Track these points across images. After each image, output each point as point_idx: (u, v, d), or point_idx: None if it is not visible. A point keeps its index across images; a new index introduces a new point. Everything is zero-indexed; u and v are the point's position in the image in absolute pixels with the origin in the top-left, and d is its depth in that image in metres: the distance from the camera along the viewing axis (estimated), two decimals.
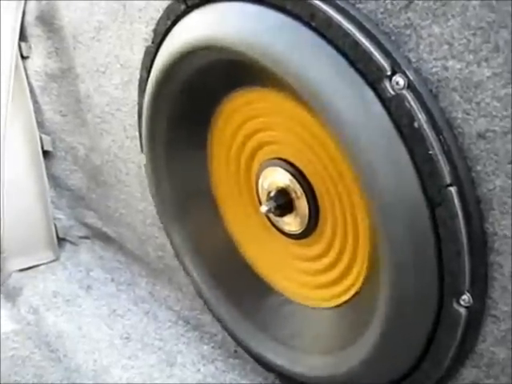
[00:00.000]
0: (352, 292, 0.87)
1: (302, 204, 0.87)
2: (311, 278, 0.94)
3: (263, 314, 0.99)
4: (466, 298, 0.67)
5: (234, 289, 1.02)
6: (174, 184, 1.02)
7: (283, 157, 0.88)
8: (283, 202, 0.88)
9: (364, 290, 0.84)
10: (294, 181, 0.86)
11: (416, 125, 0.63)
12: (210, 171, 1.03)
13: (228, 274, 1.03)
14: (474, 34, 0.58)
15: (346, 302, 0.88)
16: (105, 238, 1.39)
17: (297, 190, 0.87)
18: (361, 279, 0.84)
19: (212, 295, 1.04)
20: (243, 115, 0.92)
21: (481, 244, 0.65)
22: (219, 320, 1.05)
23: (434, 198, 0.64)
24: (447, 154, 0.63)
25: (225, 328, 1.05)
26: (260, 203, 0.94)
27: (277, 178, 0.89)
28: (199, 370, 1.09)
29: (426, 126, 0.63)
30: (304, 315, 0.94)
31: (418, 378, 0.77)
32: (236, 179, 0.99)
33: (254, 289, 1.01)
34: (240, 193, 0.99)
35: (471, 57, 0.59)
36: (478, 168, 0.62)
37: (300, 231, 0.89)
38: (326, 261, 0.90)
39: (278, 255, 0.98)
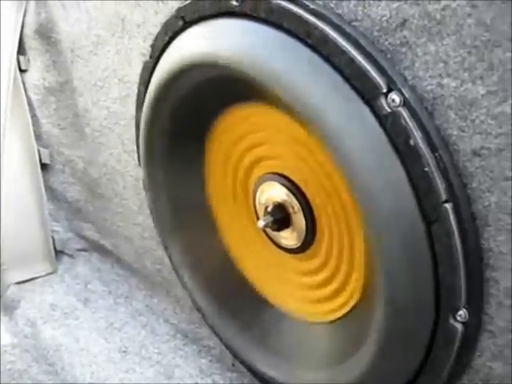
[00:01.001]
0: (349, 306, 0.87)
1: (299, 219, 0.87)
2: (308, 293, 0.94)
3: (260, 329, 0.98)
4: (462, 313, 0.67)
5: (230, 303, 1.02)
6: (171, 198, 1.03)
7: (280, 172, 0.89)
8: (280, 217, 0.88)
9: (361, 305, 0.84)
10: (291, 196, 0.87)
11: (412, 142, 0.63)
12: (207, 186, 1.03)
13: (225, 288, 1.03)
14: (469, 53, 0.58)
15: (343, 317, 0.88)
16: (102, 251, 1.39)
17: (294, 204, 0.87)
18: (358, 293, 0.84)
19: (209, 309, 1.03)
20: (240, 130, 0.92)
21: (476, 260, 0.65)
22: (217, 334, 1.05)
23: (429, 215, 0.64)
24: (443, 171, 0.63)
25: (222, 342, 1.05)
26: (257, 218, 0.94)
27: (274, 192, 0.89)
28: (197, 383, 1.09)
29: (421, 144, 0.63)
30: (301, 330, 0.94)
31: None
32: (233, 194, 0.99)
33: (251, 303, 1.01)
34: (237, 207, 0.99)
35: (466, 75, 0.59)
36: (474, 185, 0.63)
37: (297, 246, 0.89)
38: (323, 275, 0.90)
39: (275, 269, 0.98)
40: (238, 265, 1.04)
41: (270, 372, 0.95)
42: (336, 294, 0.88)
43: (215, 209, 1.04)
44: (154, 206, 1.05)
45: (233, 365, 1.10)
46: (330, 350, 0.88)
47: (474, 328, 0.68)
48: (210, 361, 1.13)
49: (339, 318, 0.88)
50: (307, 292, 0.94)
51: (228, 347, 1.04)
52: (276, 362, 0.94)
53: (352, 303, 0.86)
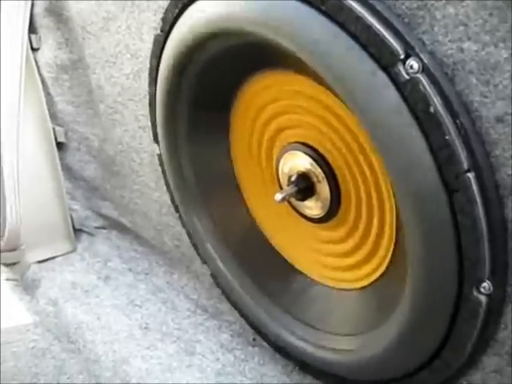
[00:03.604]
0: (378, 274, 0.87)
1: (324, 188, 0.86)
2: (336, 260, 0.93)
3: (288, 297, 0.99)
4: (486, 285, 0.65)
5: (258, 272, 1.02)
6: (196, 170, 1.02)
7: (304, 141, 0.88)
8: (304, 186, 0.87)
9: (390, 272, 0.84)
10: (315, 165, 0.86)
11: (432, 109, 0.61)
12: (232, 156, 1.03)
13: (252, 258, 1.03)
14: (490, 14, 0.56)
15: (371, 284, 0.88)
16: (121, 228, 1.39)
17: (318, 174, 0.86)
18: (386, 261, 0.84)
19: (236, 279, 1.03)
20: (264, 99, 0.91)
21: (500, 230, 0.63)
22: (241, 305, 1.05)
23: (451, 184, 0.62)
24: (464, 138, 0.61)
25: (246, 313, 1.05)
26: (281, 187, 0.93)
27: (297, 162, 0.88)
28: (218, 358, 1.09)
29: (442, 111, 0.61)
30: (329, 297, 0.94)
31: (438, 367, 0.76)
32: (258, 163, 0.99)
33: (278, 271, 1.01)
34: (262, 177, 0.99)
35: (488, 38, 0.57)
36: (497, 153, 0.60)
37: (322, 215, 0.89)
38: (350, 243, 0.90)
39: (301, 238, 0.98)
40: (266, 234, 1.04)
41: (296, 341, 0.94)
42: (365, 261, 0.88)
43: (241, 179, 1.04)
44: (177, 179, 1.04)
45: (254, 339, 1.10)
46: (358, 318, 0.88)
47: (499, 300, 0.66)
48: (231, 335, 1.13)
49: (368, 285, 0.88)
50: (335, 260, 0.93)
51: (252, 318, 1.03)
52: (303, 330, 0.94)
53: (381, 270, 0.86)
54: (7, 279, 1.29)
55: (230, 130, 1.00)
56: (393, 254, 0.82)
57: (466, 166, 0.61)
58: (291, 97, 0.86)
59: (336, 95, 0.72)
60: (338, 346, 0.88)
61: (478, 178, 0.61)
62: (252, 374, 1.05)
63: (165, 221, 1.21)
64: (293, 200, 0.91)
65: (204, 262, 1.11)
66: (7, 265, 1.32)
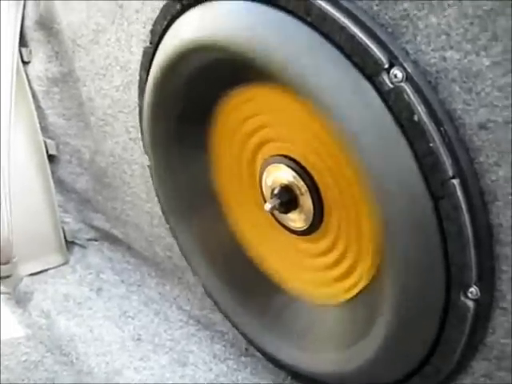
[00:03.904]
0: (360, 287, 0.86)
1: (307, 200, 0.86)
2: (318, 274, 0.93)
3: (271, 313, 0.98)
4: (473, 290, 0.66)
5: (241, 288, 1.02)
6: (178, 184, 1.02)
7: (286, 153, 0.88)
8: (287, 199, 0.87)
9: (372, 284, 0.84)
10: (298, 177, 0.86)
11: (416, 118, 0.62)
12: (213, 169, 1.02)
13: (235, 274, 1.03)
14: (471, 23, 0.57)
15: (354, 297, 0.88)
16: (113, 240, 1.40)
17: (301, 186, 0.86)
18: (368, 273, 0.84)
19: (220, 295, 1.03)
20: (244, 113, 0.91)
21: (486, 236, 0.64)
22: (229, 320, 1.05)
23: (437, 191, 0.63)
24: (448, 146, 0.61)
25: (235, 327, 1.05)
26: (264, 200, 0.93)
27: (280, 175, 0.88)
28: (211, 369, 1.09)
29: (426, 119, 0.61)
30: (312, 313, 0.94)
31: (429, 373, 0.76)
32: (239, 177, 0.98)
33: (261, 288, 1.00)
34: (244, 191, 0.99)
35: (469, 46, 0.58)
36: (481, 159, 0.61)
37: (305, 227, 0.88)
38: (332, 256, 0.90)
39: (284, 252, 0.97)
40: (248, 249, 1.03)
41: (283, 356, 0.94)
42: (346, 275, 0.88)
43: (223, 193, 1.03)
44: (161, 192, 1.05)
45: (246, 349, 1.10)
46: (341, 332, 0.87)
47: (486, 305, 0.67)
48: (224, 346, 1.13)
49: (350, 300, 0.88)
50: (317, 274, 0.93)
51: (241, 332, 1.04)
52: (287, 346, 0.94)
53: (362, 284, 0.85)
54: (0, 292, 1.29)
55: (211, 143, 0.99)
56: (377, 266, 0.82)
57: (450, 172, 0.62)
58: (271, 111, 0.86)
59: (318, 108, 0.71)
60: (325, 359, 0.88)
61: (463, 184, 0.62)
62: None
63: (156, 232, 1.21)
64: (276, 213, 0.91)
65: (195, 273, 1.11)
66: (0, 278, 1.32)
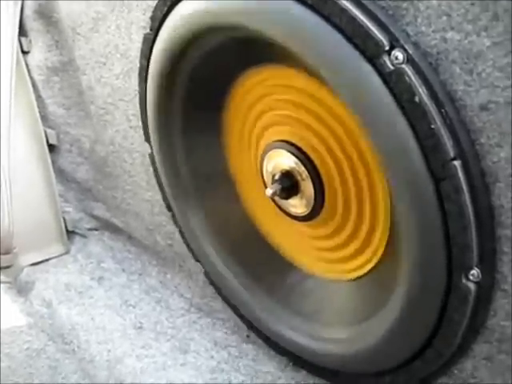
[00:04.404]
0: (372, 263, 0.87)
1: (308, 186, 0.86)
2: (329, 254, 0.94)
3: (284, 290, 0.99)
4: (474, 272, 0.66)
5: (254, 266, 1.03)
6: (191, 166, 1.03)
7: (287, 139, 0.88)
8: (288, 185, 0.87)
9: (384, 262, 0.85)
10: (299, 163, 0.86)
11: (417, 99, 0.62)
12: (226, 152, 1.03)
13: (247, 252, 1.04)
14: (472, 4, 0.57)
15: (366, 274, 0.89)
16: (114, 229, 1.40)
17: (302, 172, 0.86)
18: (381, 251, 0.85)
19: (231, 274, 1.04)
20: (255, 94, 0.92)
21: (488, 218, 0.64)
22: (236, 300, 1.06)
23: (438, 173, 0.63)
24: (450, 127, 0.62)
25: (240, 308, 1.06)
26: (265, 186, 0.93)
27: (281, 160, 0.89)
28: (212, 356, 1.09)
29: (427, 100, 0.62)
30: (325, 289, 0.95)
31: (431, 356, 0.76)
32: (249, 160, 0.99)
33: (274, 265, 1.02)
34: (254, 173, 0.99)
35: (470, 27, 0.58)
36: (482, 140, 0.61)
37: (306, 213, 0.89)
38: (340, 238, 0.90)
39: (293, 233, 0.98)
40: (260, 229, 1.04)
41: (293, 334, 0.95)
42: (358, 253, 0.88)
43: (236, 175, 1.04)
44: (171, 177, 1.05)
45: (247, 336, 1.11)
46: (353, 308, 0.88)
47: (488, 287, 0.67)
48: (225, 333, 1.14)
49: (363, 276, 0.89)
50: (327, 253, 0.94)
51: (248, 313, 1.04)
52: (299, 323, 0.94)
53: (375, 260, 0.86)
54: (1, 282, 1.29)
55: (224, 126, 1.00)
56: (387, 244, 0.83)
57: (451, 154, 0.62)
58: (280, 91, 0.87)
59: (326, 86, 0.72)
60: (334, 336, 0.89)
61: (464, 165, 0.62)
62: (246, 371, 1.06)
63: (157, 220, 1.21)
64: (277, 199, 0.92)
65: (197, 259, 1.11)
66: (0, 268, 1.32)
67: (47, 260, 1.37)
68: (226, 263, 1.05)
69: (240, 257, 1.04)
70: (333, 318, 0.91)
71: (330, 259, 0.94)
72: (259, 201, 1.01)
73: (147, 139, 1.07)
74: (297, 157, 0.86)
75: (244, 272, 1.03)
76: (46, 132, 1.34)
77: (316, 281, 0.96)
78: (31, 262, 1.36)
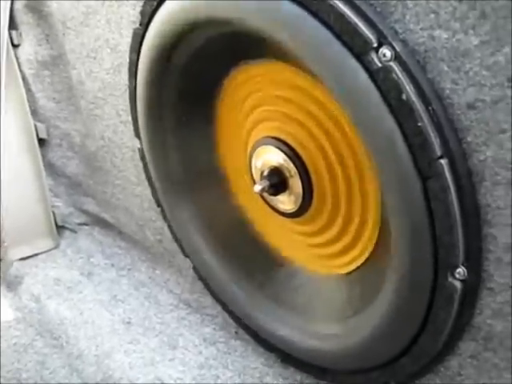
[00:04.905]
0: (363, 259, 0.87)
1: (296, 183, 0.86)
2: (318, 250, 0.94)
3: (274, 285, 0.99)
4: (460, 271, 0.66)
5: (244, 262, 1.03)
6: (182, 161, 1.03)
7: (276, 135, 0.88)
8: (277, 181, 0.87)
9: (374, 257, 0.85)
10: (288, 160, 0.86)
11: (404, 97, 0.62)
12: (218, 147, 1.03)
13: (238, 248, 1.04)
14: (460, 2, 0.57)
15: (356, 270, 0.89)
16: (103, 224, 1.39)
17: (290, 168, 0.86)
18: (370, 248, 0.85)
19: (221, 270, 1.04)
20: (247, 89, 0.92)
21: (474, 216, 0.64)
22: (225, 296, 1.06)
23: (424, 171, 0.63)
24: (437, 125, 0.61)
25: (230, 304, 1.06)
26: (254, 182, 0.93)
27: (270, 157, 0.88)
28: (201, 352, 1.09)
29: (414, 98, 0.61)
30: (315, 283, 0.95)
31: (417, 353, 0.76)
32: (240, 155, 0.99)
33: (264, 261, 1.02)
34: (245, 169, 0.99)
35: (458, 25, 0.57)
36: (469, 139, 0.61)
37: (294, 209, 0.89)
38: (329, 234, 0.90)
39: (283, 229, 0.98)
40: (251, 225, 1.04)
41: (283, 330, 0.95)
42: (348, 249, 0.89)
43: (227, 170, 1.04)
44: (157, 173, 1.04)
45: (236, 332, 1.11)
46: (343, 303, 0.89)
47: (473, 286, 0.67)
48: (214, 329, 1.14)
49: (353, 271, 0.89)
50: (317, 249, 0.94)
51: (237, 309, 1.04)
52: (289, 316, 0.95)
53: (366, 255, 0.86)
54: None
55: (216, 121, 1.00)
56: (377, 241, 0.83)
57: (438, 152, 0.62)
58: (270, 87, 0.87)
59: (317, 82, 0.72)
60: (323, 331, 0.89)
61: (451, 164, 0.62)
62: (235, 367, 1.06)
63: (147, 215, 1.21)
64: (266, 195, 0.91)
65: (186, 255, 1.11)
66: None
67: (36, 255, 1.37)
68: (215, 259, 1.05)
69: (230, 252, 1.04)
70: (322, 314, 0.91)
71: (319, 255, 0.94)
72: (250, 197, 1.01)
73: (137, 134, 1.06)
74: (285, 153, 0.86)
75: (234, 268, 1.03)
76: (36, 126, 1.33)
77: (306, 276, 0.97)
78: (21, 257, 1.36)
